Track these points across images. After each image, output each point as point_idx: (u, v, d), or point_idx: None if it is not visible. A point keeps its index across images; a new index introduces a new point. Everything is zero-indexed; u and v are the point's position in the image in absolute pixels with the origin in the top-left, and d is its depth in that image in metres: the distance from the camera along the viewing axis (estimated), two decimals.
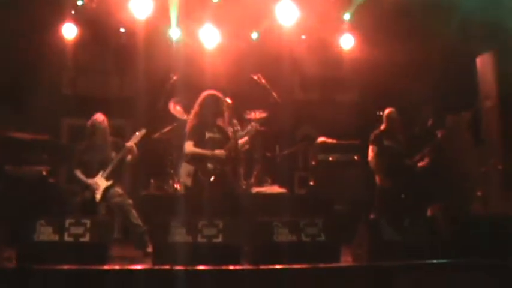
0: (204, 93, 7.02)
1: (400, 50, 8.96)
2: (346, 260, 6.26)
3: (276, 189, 8.79)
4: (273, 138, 9.11)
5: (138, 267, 5.77)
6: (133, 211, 7.00)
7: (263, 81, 8.54)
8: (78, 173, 7.18)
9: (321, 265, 5.76)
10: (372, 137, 7.91)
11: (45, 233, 5.70)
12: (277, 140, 9.25)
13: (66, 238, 5.73)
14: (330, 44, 9.79)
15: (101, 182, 7.08)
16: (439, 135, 7.87)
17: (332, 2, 9.39)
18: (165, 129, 8.83)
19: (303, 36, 9.91)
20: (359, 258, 6.24)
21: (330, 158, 8.88)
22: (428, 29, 8.92)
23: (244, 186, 8.56)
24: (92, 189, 7.05)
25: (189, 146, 6.84)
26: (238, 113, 8.36)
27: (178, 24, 9.39)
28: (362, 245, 6.26)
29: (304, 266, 5.71)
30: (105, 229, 6.01)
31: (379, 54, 9.18)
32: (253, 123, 7.48)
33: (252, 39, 9.94)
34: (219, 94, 6.97)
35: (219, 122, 7.01)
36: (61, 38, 9.19)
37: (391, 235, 6.22)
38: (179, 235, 5.86)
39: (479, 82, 8.13)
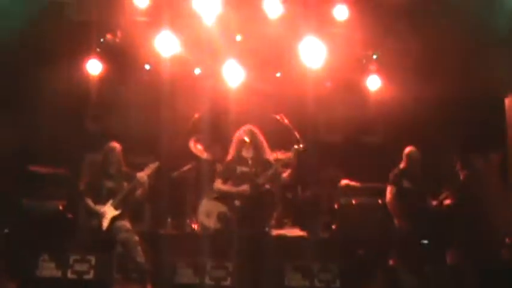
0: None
1: (426, 90, 8.71)
2: None
3: (296, 232, 8.52)
4: (295, 179, 8.87)
5: None
6: (139, 248, 6.82)
7: (286, 121, 8.38)
8: (89, 201, 7.09)
9: None
10: (390, 177, 7.59)
11: (47, 269, 5.59)
12: (299, 181, 9.00)
13: (70, 275, 5.62)
14: (356, 84, 9.57)
15: (109, 211, 6.96)
16: (462, 176, 7.49)
17: (358, 41, 9.22)
18: (185, 168, 8.71)
19: (328, 84, 9.76)
20: None
21: (353, 201, 8.61)
22: (455, 69, 8.66)
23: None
24: (99, 217, 6.92)
25: (217, 184, 6.84)
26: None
27: (202, 62, 9.34)
28: None
29: None
30: (111, 267, 5.86)
31: (406, 94, 8.94)
32: (295, 146, 7.02)
33: (275, 78, 9.79)
34: (251, 127, 6.95)
35: (263, 153, 6.88)
36: (86, 74, 9.21)
37: (411, 283, 5.91)
38: (185, 276, 5.69)
39: (508, 123, 7.81)
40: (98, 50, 9.22)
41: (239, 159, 6.76)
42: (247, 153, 6.78)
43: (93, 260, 5.69)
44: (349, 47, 9.24)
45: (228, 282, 5.66)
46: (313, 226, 8.74)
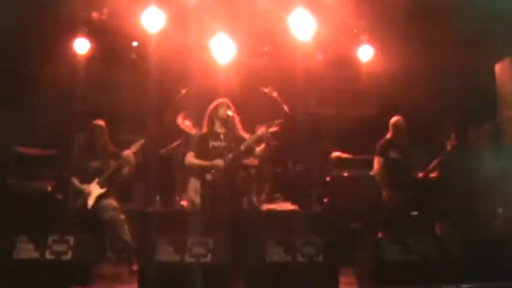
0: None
1: (419, 61, 8.51)
2: (345, 282, 5.86)
3: (287, 206, 8.39)
4: (285, 153, 8.75)
5: None
6: (125, 227, 6.79)
7: (274, 94, 8.24)
8: (74, 180, 7.02)
9: None
10: (377, 147, 7.43)
11: (25, 250, 5.52)
12: (290, 155, 8.88)
13: (48, 256, 5.54)
14: (348, 56, 9.37)
15: (94, 189, 6.89)
16: (448, 147, 7.32)
17: (349, 11, 9.00)
18: (173, 144, 8.60)
19: (320, 56, 9.56)
20: (360, 281, 5.84)
21: (345, 174, 8.48)
22: (449, 38, 8.44)
23: (256, 203, 8.28)
24: (84, 196, 6.85)
25: (188, 157, 6.62)
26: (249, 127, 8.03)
27: (190, 36, 9.16)
28: (364, 266, 5.87)
29: None
30: (90, 247, 5.79)
31: (398, 65, 8.73)
32: (262, 128, 6.67)
33: (265, 51, 9.61)
34: (224, 101, 6.73)
35: (236, 128, 6.71)
36: (73, 53, 9.08)
37: (397, 255, 5.79)
38: (166, 254, 5.60)
39: (499, 90, 7.59)
40: (85, 28, 9.06)
41: (213, 134, 6.61)
42: (220, 128, 6.64)
43: (71, 240, 5.61)
44: (341, 18, 9.01)
45: (208, 259, 5.55)
46: (305, 200, 8.63)
